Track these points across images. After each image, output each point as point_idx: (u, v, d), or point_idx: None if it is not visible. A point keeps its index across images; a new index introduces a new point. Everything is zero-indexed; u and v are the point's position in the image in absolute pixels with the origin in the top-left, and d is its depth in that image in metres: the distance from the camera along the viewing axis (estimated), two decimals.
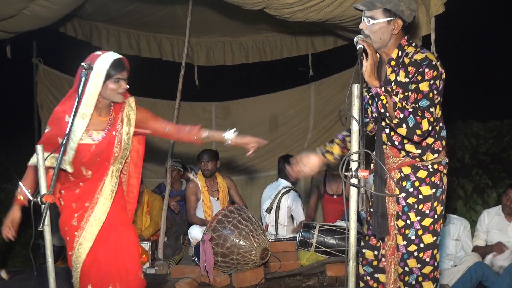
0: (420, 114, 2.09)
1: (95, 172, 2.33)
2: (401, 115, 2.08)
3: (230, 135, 2.59)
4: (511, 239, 3.78)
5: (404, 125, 2.10)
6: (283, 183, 4.48)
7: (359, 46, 2.10)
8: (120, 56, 2.28)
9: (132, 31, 5.76)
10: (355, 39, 2.14)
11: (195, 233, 4.20)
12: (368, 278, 2.45)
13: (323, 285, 3.41)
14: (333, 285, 3.41)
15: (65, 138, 2.02)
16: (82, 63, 2.16)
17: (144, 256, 4.05)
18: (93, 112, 2.25)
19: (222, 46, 6.05)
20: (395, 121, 2.11)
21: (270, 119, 6.08)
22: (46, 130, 2.29)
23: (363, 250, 2.45)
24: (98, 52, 2.28)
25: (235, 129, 2.60)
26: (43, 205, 1.89)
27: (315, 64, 5.86)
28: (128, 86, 2.30)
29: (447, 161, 2.36)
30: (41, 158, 1.94)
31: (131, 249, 2.46)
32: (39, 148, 1.94)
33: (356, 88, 1.72)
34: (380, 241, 2.41)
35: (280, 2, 3.36)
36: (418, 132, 2.10)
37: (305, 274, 3.63)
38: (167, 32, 5.76)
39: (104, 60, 2.22)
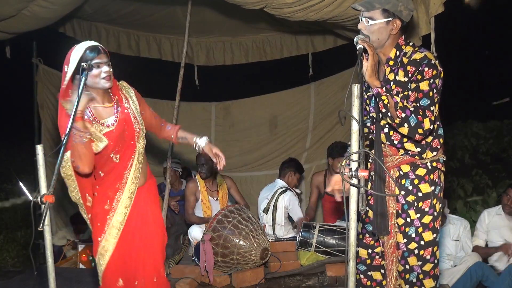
0: (421, 113, 2.09)
1: (122, 154, 2.37)
2: (403, 115, 2.09)
3: (202, 142, 2.59)
4: (511, 239, 3.79)
5: (406, 125, 2.10)
6: (280, 183, 4.48)
7: (359, 46, 2.10)
8: (95, 43, 2.31)
9: (131, 31, 5.75)
10: (355, 39, 2.14)
11: (195, 233, 4.20)
12: (362, 276, 2.46)
13: (323, 285, 3.41)
14: (333, 285, 3.41)
15: (65, 137, 2.02)
16: (82, 63, 2.16)
17: None
18: (97, 105, 2.30)
19: (222, 46, 6.05)
20: (397, 121, 2.12)
21: (270, 119, 6.08)
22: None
23: (357, 249, 2.46)
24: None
25: (206, 137, 2.60)
26: (43, 205, 1.89)
27: (315, 64, 5.86)
28: (111, 69, 2.31)
29: (445, 159, 2.37)
30: (41, 158, 1.94)
31: (158, 248, 2.58)
32: (39, 148, 1.95)
33: (356, 88, 1.72)
34: (377, 240, 2.42)
35: (280, 1, 3.36)
36: (420, 131, 2.11)
37: (305, 274, 3.63)
38: (166, 32, 5.76)
39: (78, 49, 2.23)
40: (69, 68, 2.20)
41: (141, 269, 2.45)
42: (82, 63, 2.15)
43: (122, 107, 2.38)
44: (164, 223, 2.65)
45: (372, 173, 2.36)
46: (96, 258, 2.37)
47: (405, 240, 2.30)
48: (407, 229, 2.29)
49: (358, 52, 2.08)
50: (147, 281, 2.47)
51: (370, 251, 2.44)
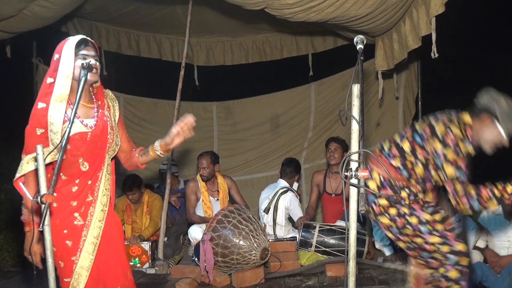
0: None
1: (91, 163, 2.25)
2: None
3: (156, 146, 2.39)
4: (511, 238, 3.78)
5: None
6: (282, 183, 4.48)
7: (359, 47, 2.10)
8: (85, 37, 2.28)
9: (131, 31, 5.76)
10: (355, 39, 2.14)
11: (195, 233, 4.20)
12: None
13: (323, 285, 3.41)
14: (333, 285, 3.41)
15: (65, 136, 2.02)
16: (82, 62, 2.16)
17: (144, 256, 4.05)
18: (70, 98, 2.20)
19: (222, 46, 6.06)
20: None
21: (271, 118, 6.09)
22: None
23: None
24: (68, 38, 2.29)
25: (158, 139, 2.39)
26: (43, 205, 1.89)
27: (315, 64, 5.87)
28: (98, 64, 2.23)
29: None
30: (41, 158, 1.93)
31: (122, 250, 2.42)
32: (39, 148, 1.94)
33: (356, 88, 1.72)
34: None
35: (281, 2, 3.36)
36: None
37: (305, 274, 3.63)
38: (166, 32, 5.76)
39: (70, 41, 2.23)
40: (62, 57, 2.18)
41: (114, 276, 2.32)
42: (82, 62, 2.14)
43: (102, 113, 2.29)
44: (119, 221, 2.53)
45: None
46: (71, 278, 2.19)
47: None
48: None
49: (358, 52, 2.08)
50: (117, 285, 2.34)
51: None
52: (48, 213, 1.86)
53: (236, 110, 6.20)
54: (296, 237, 4.09)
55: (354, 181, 1.69)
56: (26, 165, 2.18)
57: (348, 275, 1.71)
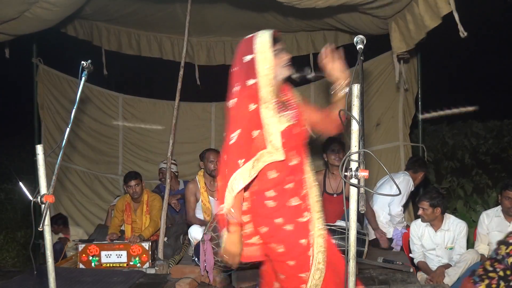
0: None
1: (299, 155, 2.17)
2: None
3: (335, 89, 2.23)
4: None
5: None
6: None
7: (359, 46, 2.09)
8: (272, 31, 2.20)
9: (132, 31, 5.76)
10: (355, 39, 2.13)
11: (195, 233, 4.19)
12: None
13: None
14: None
15: (63, 138, 2.02)
16: (82, 62, 2.14)
17: (144, 256, 4.05)
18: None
19: (222, 45, 6.05)
20: None
21: None
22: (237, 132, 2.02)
23: None
24: (252, 35, 2.23)
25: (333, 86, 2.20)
26: (43, 205, 1.89)
27: (316, 64, 5.86)
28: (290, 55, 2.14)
29: None
30: (41, 158, 1.93)
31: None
32: (39, 148, 1.94)
33: (356, 88, 1.71)
34: None
35: None
36: None
37: None
38: (167, 31, 5.76)
39: (262, 37, 2.18)
40: (258, 60, 2.11)
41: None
42: (82, 62, 2.13)
43: (294, 104, 2.25)
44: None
45: None
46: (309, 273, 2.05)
47: None
48: None
49: (358, 52, 2.07)
50: None
51: None
52: (48, 213, 1.86)
53: None
54: None
55: (354, 181, 1.69)
56: (252, 170, 2.02)
57: (348, 275, 1.71)
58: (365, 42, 2.05)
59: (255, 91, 2.09)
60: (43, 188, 1.92)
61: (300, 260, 2.07)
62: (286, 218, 2.08)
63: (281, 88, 2.24)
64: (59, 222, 5.17)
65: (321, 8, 3.60)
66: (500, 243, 2.91)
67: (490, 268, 2.88)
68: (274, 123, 2.06)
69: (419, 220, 3.81)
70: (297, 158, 2.16)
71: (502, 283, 2.79)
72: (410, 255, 3.91)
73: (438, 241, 3.75)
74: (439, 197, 3.67)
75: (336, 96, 2.19)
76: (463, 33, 3.30)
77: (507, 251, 2.76)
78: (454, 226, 3.75)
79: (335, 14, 4.47)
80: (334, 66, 2.15)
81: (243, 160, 2.00)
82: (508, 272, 2.81)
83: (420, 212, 3.72)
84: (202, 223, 4.29)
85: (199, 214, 4.40)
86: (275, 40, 2.17)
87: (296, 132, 2.15)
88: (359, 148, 1.70)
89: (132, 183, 4.40)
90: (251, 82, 2.10)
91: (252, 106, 2.06)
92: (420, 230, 3.81)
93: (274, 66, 2.13)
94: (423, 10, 3.65)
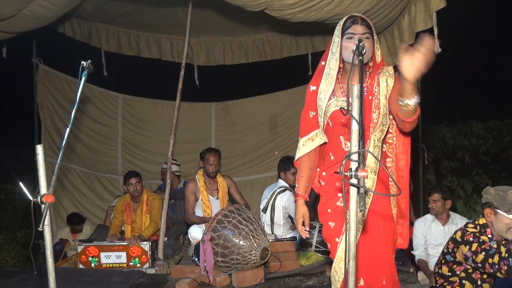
0: None
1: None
2: None
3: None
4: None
5: None
6: (281, 183, 4.49)
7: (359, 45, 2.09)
8: (355, 14, 2.16)
9: (131, 31, 5.76)
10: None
11: (195, 233, 4.20)
12: None
13: (323, 285, 3.41)
14: None
15: (63, 139, 2.01)
16: (82, 62, 2.13)
17: (144, 256, 4.05)
18: (341, 78, 2.14)
19: (222, 46, 6.06)
20: None
21: (270, 119, 6.09)
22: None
23: None
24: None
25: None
26: (43, 205, 1.88)
27: (315, 64, 5.86)
28: (366, 44, 1.93)
29: None
30: (41, 158, 1.93)
31: (389, 246, 2.21)
32: (39, 148, 1.94)
33: (356, 88, 1.71)
34: None
35: (281, 3, 3.36)
36: None
37: (305, 274, 3.63)
38: (166, 32, 5.77)
39: (340, 21, 2.15)
40: (333, 38, 2.13)
41: (380, 267, 2.16)
42: (82, 62, 2.12)
43: (369, 93, 2.12)
44: (399, 214, 2.32)
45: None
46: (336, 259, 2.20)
47: None
48: None
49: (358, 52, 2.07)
50: (388, 280, 2.17)
51: None
52: (48, 213, 1.85)
53: (235, 110, 6.20)
54: (296, 237, 4.09)
55: (354, 181, 1.69)
56: (302, 148, 2.27)
57: (348, 275, 1.71)
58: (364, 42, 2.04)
59: (321, 72, 2.19)
60: (43, 188, 1.92)
61: (332, 244, 2.33)
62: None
63: (353, 74, 2.06)
64: (75, 221, 5.23)
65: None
66: (457, 244, 2.71)
67: (449, 273, 2.81)
68: (323, 107, 2.15)
69: (426, 216, 3.93)
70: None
71: (467, 283, 2.74)
72: (412, 252, 3.92)
73: (447, 235, 3.79)
74: (449, 191, 3.87)
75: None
76: (437, 49, 3.35)
77: (473, 249, 2.58)
78: (461, 221, 3.85)
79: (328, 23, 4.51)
80: (410, 64, 1.73)
81: (300, 138, 2.27)
82: (470, 271, 2.74)
83: (430, 204, 3.84)
84: (201, 220, 4.30)
85: (199, 214, 4.41)
86: (354, 21, 2.10)
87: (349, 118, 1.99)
88: (359, 148, 1.69)
89: (133, 180, 4.42)
90: (322, 63, 2.22)
91: (312, 87, 2.20)
92: (426, 226, 3.89)
93: (341, 49, 2.13)
94: (405, 26, 3.76)
